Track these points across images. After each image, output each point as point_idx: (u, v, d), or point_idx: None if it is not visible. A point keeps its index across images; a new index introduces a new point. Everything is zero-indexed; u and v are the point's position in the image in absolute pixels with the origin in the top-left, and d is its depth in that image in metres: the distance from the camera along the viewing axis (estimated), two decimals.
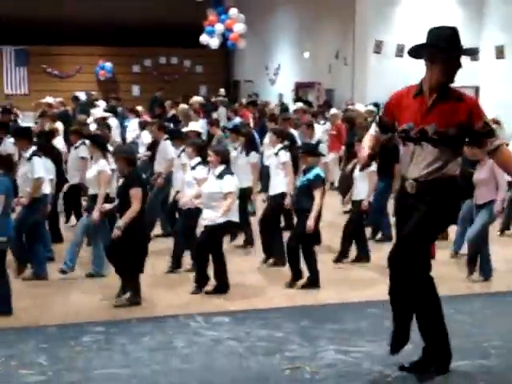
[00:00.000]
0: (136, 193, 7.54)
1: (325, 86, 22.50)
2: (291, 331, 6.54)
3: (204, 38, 24.75)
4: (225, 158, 8.23)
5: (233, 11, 24.26)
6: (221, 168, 8.08)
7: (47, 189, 8.84)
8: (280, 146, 9.69)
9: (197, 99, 17.90)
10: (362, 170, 7.24)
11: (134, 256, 7.55)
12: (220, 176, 8.02)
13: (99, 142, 9.14)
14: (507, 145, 7.70)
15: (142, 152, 13.22)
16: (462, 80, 19.34)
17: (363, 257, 9.56)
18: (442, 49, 4.92)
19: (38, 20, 26.60)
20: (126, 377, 5.56)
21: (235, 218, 8.19)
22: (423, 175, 5.04)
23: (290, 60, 25.00)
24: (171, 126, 14.70)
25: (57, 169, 9.84)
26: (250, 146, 10.63)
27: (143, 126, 14.88)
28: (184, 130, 11.54)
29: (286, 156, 9.49)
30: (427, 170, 5.03)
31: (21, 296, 7.56)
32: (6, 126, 13.09)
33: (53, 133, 11.81)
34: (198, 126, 12.04)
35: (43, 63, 28.40)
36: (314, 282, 8.21)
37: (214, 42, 24.84)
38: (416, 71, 20.34)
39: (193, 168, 8.84)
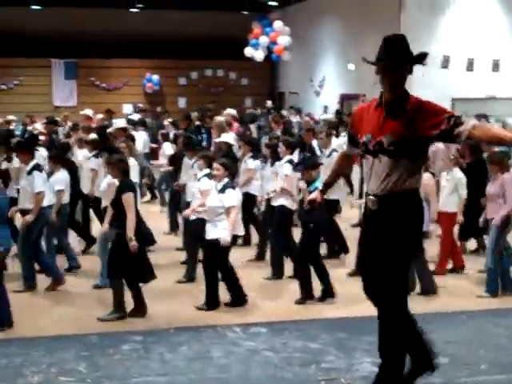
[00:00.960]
0: (128, 198, 7.59)
1: (369, 98, 22.41)
2: (327, 343, 6.56)
3: (249, 51, 24.91)
4: (232, 172, 8.30)
5: (277, 24, 24.39)
6: (224, 181, 8.09)
7: (47, 201, 8.94)
8: (288, 157, 9.70)
9: (229, 111, 17.97)
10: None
11: (131, 265, 7.56)
12: (222, 190, 8.02)
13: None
14: None
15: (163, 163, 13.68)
16: (508, 91, 19.07)
17: None
18: (390, 58, 4.86)
19: (87, 33, 27.13)
20: None
21: (239, 231, 8.34)
22: (382, 189, 4.84)
23: (334, 72, 25.01)
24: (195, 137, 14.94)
25: (73, 180, 10.08)
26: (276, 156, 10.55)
27: (166, 137, 15.15)
28: (216, 140, 11.75)
29: (288, 169, 9.45)
30: (385, 184, 4.83)
31: (62, 304, 7.74)
32: (36, 139, 13.23)
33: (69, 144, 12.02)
34: (230, 137, 12.16)
35: (91, 76, 28.86)
36: (328, 294, 8.23)
37: (258, 55, 24.99)
38: (461, 82, 20.18)
39: (199, 179, 8.95)
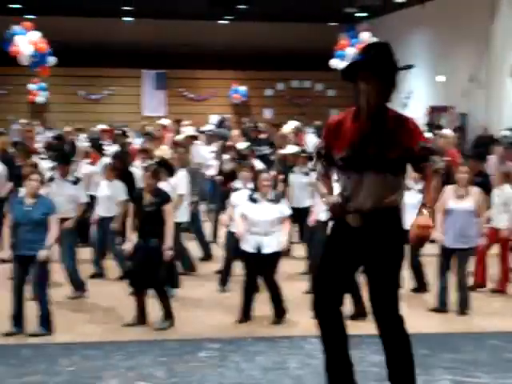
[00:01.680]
0: (169, 208, 8.00)
1: (458, 110, 22.02)
2: None
3: (334, 62, 24.83)
4: (274, 184, 8.44)
5: (364, 35, 24.22)
6: (274, 192, 8.24)
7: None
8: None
9: (294, 124, 17.88)
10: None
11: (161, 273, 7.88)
12: (276, 200, 8.16)
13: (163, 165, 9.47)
14: None
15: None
16: None
17: None
18: (377, 67, 4.54)
19: (176, 45, 27.66)
20: None
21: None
22: (367, 205, 4.58)
23: (423, 84, 24.67)
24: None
25: (130, 190, 10.25)
26: None
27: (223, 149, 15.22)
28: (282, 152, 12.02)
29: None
30: (371, 199, 4.57)
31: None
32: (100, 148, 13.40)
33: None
34: (295, 149, 12.31)
35: (181, 86, 29.38)
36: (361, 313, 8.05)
37: (343, 66, 24.86)
38: None
39: (235, 190, 9.08)
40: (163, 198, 8.18)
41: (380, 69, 4.55)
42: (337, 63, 24.82)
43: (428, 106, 23.98)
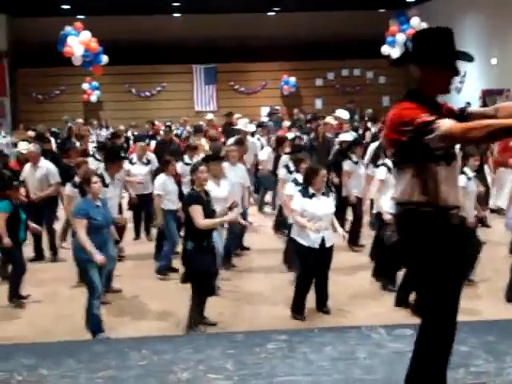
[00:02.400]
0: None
1: None
2: (476, 346, 6.35)
3: (385, 49, 24.62)
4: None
5: (414, 20, 23.95)
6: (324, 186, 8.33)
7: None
8: (381, 161, 9.80)
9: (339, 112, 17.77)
10: None
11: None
12: (327, 194, 8.31)
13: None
14: None
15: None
16: None
17: None
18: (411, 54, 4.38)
19: (225, 39, 27.79)
20: None
21: None
22: (394, 205, 4.39)
23: (476, 67, 24.23)
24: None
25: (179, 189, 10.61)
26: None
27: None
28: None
29: (382, 173, 9.36)
30: (394, 198, 4.37)
31: (211, 305, 7.96)
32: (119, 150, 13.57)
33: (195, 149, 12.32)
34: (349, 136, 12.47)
35: (230, 80, 29.49)
36: None
37: (395, 53, 24.62)
38: None
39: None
40: (209, 195, 8.16)
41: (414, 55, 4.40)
42: (387, 50, 24.63)
43: (481, 89, 23.61)
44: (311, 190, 8.15)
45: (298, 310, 8.22)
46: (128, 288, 9.77)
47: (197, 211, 7.58)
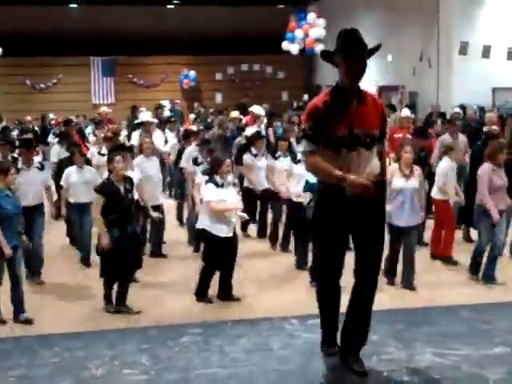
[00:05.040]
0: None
1: (408, 89, 22.31)
2: (386, 334, 6.55)
3: (285, 45, 24.91)
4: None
5: (310, 16, 24.33)
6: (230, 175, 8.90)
7: None
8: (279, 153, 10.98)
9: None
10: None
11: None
12: (234, 183, 9.22)
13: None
14: None
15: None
16: None
17: None
18: (364, 48, 5.07)
19: (124, 31, 27.36)
20: (226, 377, 5.69)
21: None
22: (369, 178, 5.07)
23: (372, 63, 24.63)
24: None
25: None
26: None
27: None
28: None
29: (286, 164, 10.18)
30: (366, 174, 5.07)
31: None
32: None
33: None
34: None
35: (129, 73, 29.08)
36: None
37: (294, 48, 24.96)
38: (502, 71, 20.02)
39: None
40: (132, 183, 8.27)
41: (366, 52, 5.12)
42: (287, 46, 24.92)
43: (377, 85, 24.19)
44: (219, 180, 8.25)
45: (202, 294, 8.39)
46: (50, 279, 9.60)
47: (97, 201, 8.02)
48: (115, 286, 8.12)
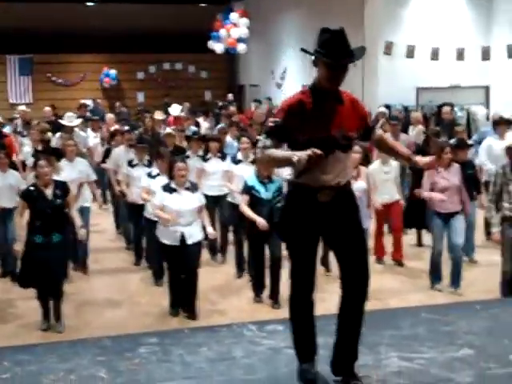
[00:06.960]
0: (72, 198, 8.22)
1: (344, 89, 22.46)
2: None
3: (210, 44, 24.75)
4: None
5: (234, 16, 24.24)
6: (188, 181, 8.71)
7: None
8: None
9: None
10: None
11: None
12: (192, 190, 8.53)
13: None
14: None
15: None
16: (472, 79, 19.54)
17: None
18: (352, 57, 4.77)
19: (42, 29, 26.55)
20: None
21: None
22: (338, 182, 4.84)
23: (296, 63, 24.95)
24: None
25: None
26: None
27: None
28: None
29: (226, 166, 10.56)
30: (341, 176, 4.85)
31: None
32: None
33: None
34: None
35: (47, 72, 28.30)
36: None
37: (218, 48, 24.81)
38: (426, 71, 20.37)
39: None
40: (65, 188, 7.95)
41: (353, 55, 4.77)
42: (212, 45, 24.74)
43: (302, 84, 24.31)
44: (173, 185, 7.99)
45: (173, 305, 8.25)
46: None
47: (21, 206, 7.90)
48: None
